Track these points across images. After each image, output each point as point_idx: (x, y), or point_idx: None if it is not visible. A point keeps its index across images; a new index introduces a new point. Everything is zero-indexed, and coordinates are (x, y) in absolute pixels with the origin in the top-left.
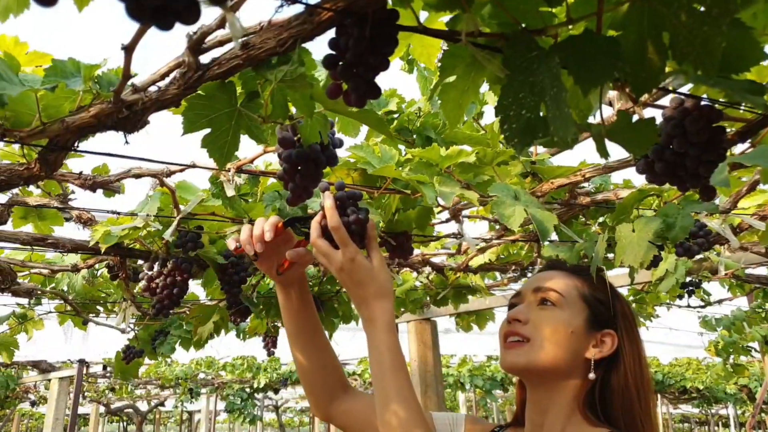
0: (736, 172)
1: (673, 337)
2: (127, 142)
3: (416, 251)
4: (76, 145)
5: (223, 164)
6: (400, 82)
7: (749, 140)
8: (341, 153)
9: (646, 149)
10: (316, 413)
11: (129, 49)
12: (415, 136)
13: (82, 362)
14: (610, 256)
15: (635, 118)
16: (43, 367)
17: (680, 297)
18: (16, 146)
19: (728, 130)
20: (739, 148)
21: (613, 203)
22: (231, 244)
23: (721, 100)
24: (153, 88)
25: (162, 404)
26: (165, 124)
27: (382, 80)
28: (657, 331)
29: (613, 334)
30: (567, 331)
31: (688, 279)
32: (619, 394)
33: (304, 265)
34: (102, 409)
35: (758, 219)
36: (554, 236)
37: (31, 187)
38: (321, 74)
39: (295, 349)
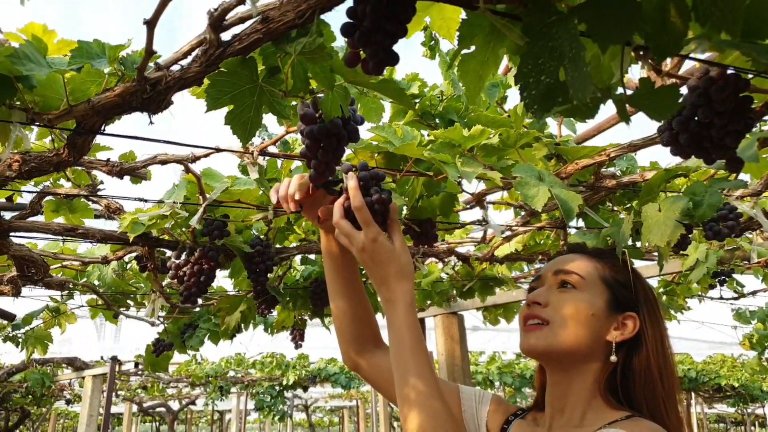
0: (766, 152)
1: (706, 334)
2: (151, 122)
3: (441, 241)
4: (102, 128)
5: (246, 140)
6: (422, 68)
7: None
8: (364, 136)
9: (668, 115)
10: (345, 362)
11: (151, 24)
12: (437, 120)
13: (115, 359)
14: (638, 244)
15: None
16: (77, 365)
17: (711, 287)
18: (47, 140)
19: (755, 102)
20: None
21: (639, 186)
22: (273, 197)
23: (748, 69)
24: (176, 67)
25: (193, 403)
26: (189, 110)
27: (404, 66)
28: (690, 328)
29: (634, 317)
30: (588, 313)
31: (719, 269)
32: (641, 377)
33: None
34: (135, 408)
35: None
36: (581, 223)
37: (62, 181)
38: (340, 47)
39: (332, 295)
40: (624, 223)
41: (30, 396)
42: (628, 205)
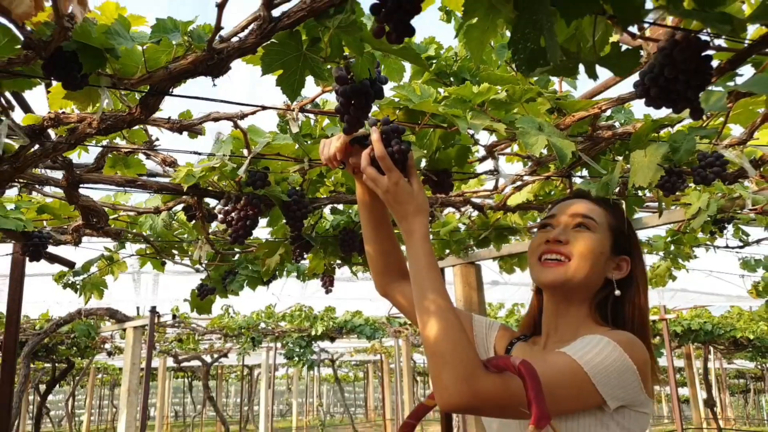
0: (751, 104)
1: (723, 288)
2: (214, 85)
3: (457, 191)
4: (171, 90)
5: (293, 99)
6: (438, 31)
7: (738, 68)
8: (387, 94)
9: (629, 72)
10: (377, 289)
11: (221, 6)
12: (452, 79)
13: (154, 310)
14: (640, 193)
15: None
16: (118, 317)
17: (712, 233)
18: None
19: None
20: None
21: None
22: (322, 158)
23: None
24: (235, 39)
25: (225, 356)
26: (237, 75)
27: (422, 30)
28: (707, 283)
29: (628, 260)
30: (599, 253)
31: (720, 216)
32: (633, 306)
33: None
34: (169, 362)
35: None
36: (585, 173)
37: (117, 140)
38: (368, 20)
39: (366, 236)
40: (616, 168)
41: (75, 348)
42: (627, 153)
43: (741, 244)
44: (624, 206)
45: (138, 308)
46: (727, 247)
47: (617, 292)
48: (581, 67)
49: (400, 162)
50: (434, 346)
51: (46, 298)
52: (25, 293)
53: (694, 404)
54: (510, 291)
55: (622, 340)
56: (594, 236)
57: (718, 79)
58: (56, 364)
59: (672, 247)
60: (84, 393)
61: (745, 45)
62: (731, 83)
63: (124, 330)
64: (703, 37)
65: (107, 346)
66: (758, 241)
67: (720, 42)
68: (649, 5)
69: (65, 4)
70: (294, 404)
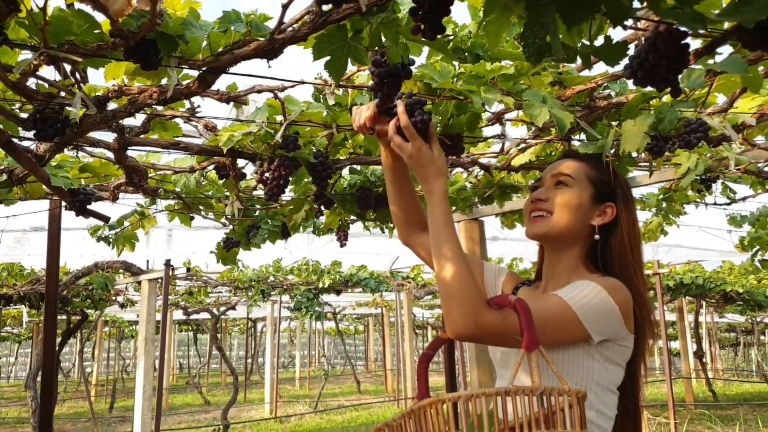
0: (733, 76)
1: (716, 243)
2: (269, 66)
3: (467, 153)
4: (227, 69)
5: (338, 80)
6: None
7: (714, 52)
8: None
9: (618, 62)
10: (400, 239)
11: (285, 6)
12: (466, 54)
13: (168, 263)
14: (634, 155)
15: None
16: (133, 271)
17: (699, 191)
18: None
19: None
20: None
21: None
22: (354, 125)
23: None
24: (290, 29)
25: (233, 308)
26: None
27: None
28: (701, 239)
29: (612, 206)
30: (577, 204)
31: (707, 175)
32: (616, 250)
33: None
34: (176, 315)
35: (756, 118)
36: (583, 137)
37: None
38: (404, 15)
39: (390, 194)
40: (609, 133)
41: (89, 300)
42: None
43: (728, 201)
44: (617, 165)
45: (148, 261)
46: (715, 204)
47: (596, 237)
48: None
49: (422, 131)
50: (447, 286)
51: (62, 251)
52: (42, 247)
53: (684, 356)
54: (509, 246)
55: (607, 284)
56: (571, 191)
57: (699, 59)
58: (71, 316)
59: (664, 204)
60: (90, 346)
61: (720, 34)
62: (711, 62)
63: (139, 283)
64: (683, 29)
65: (120, 298)
66: (744, 199)
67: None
68: (636, 5)
69: (154, 3)
70: (297, 356)
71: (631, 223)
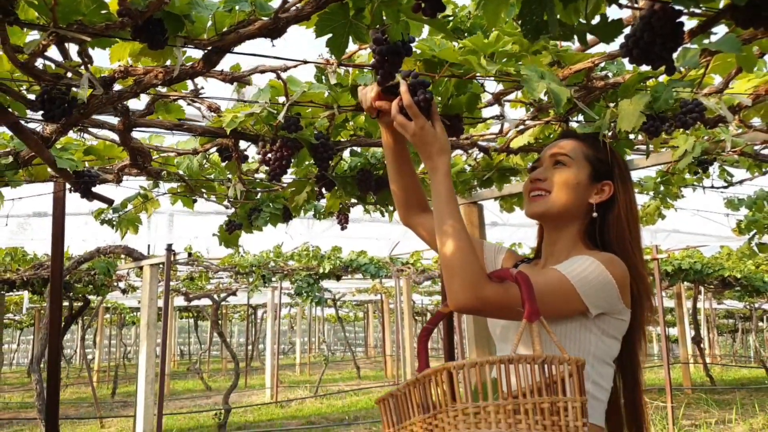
0: (729, 57)
1: (715, 229)
2: (273, 45)
3: (466, 135)
4: (231, 49)
5: (339, 57)
6: None
7: (709, 31)
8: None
9: (613, 39)
10: (401, 220)
11: None
12: (466, 34)
13: (170, 248)
14: (632, 136)
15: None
16: (135, 256)
17: (696, 174)
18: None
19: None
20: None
21: None
22: (365, 106)
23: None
24: (293, 8)
25: (234, 294)
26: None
27: None
28: (700, 225)
29: (610, 184)
30: (574, 183)
31: (704, 158)
32: (613, 227)
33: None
34: (178, 301)
35: (752, 98)
36: (581, 118)
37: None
38: None
39: (390, 174)
40: (606, 114)
41: (91, 285)
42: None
43: (725, 184)
44: (615, 147)
45: (149, 246)
46: (712, 187)
47: (594, 214)
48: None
49: (424, 109)
50: (449, 260)
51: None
52: (45, 233)
53: (682, 342)
54: (508, 232)
55: (604, 259)
56: (569, 170)
57: (694, 39)
58: (73, 302)
59: (661, 188)
60: (91, 332)
61: (714, 13)
62: (706, 41)
63: (140, 268)
64: (677, 7)
65: (121, 284)
66: (741, 182)
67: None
68: None
69: None
70: (297, 342)
71: (628, 200)
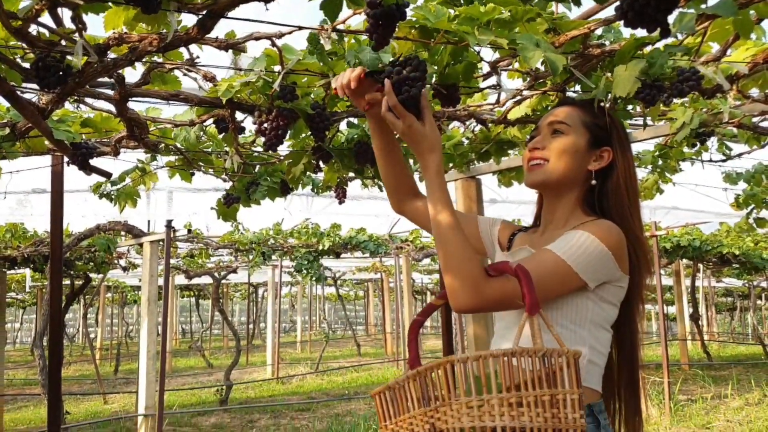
0: (727, 24)
1: (714, 206)
2: (267, 9)
3: (463, 106)
4: (226, 14)
5: (333, 20)
6: None
7: None
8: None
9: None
10: (393, 207)
11: None
12: (461, 1)
13: (170, 225)
14: (630, 107)
15: None
16: (135, 233)
17: (693, 146)
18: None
19: None
20: None
21: None
22: (333, 84)
23: None
24: None
25: (234, 271)
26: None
27: None
28: (699, 202)
29: (609, 150)
30: (573, 150)
31: (702, 130)
32: (612, 193)
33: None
34: (178, 280)
35: (749, 67)
36: (578, 88)
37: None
38: None
39: (378, 161)
40: (601, 81)
41: (92, 263)
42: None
43: (724, 158)
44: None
45: (149, 222)
46: (711, 161)
47: (593, 182)
48: None
49: (411, 107)
50: (447, 262)
51: (65, 213)
52: (45, 209)
53: (680, 319)
54: (507, 209)
55: (597, 230)
56: (567, 138)
57: (691, 2)
58: (74, 280)
59: (660, 162)
60: (93, 311)
61: None
62: (703, 6)
63: (141, 245)
64: None
65: (122, 262)
66: (740, 155)
67: None
68: None
69: None
70: (298, 321)
71: (627, 166)
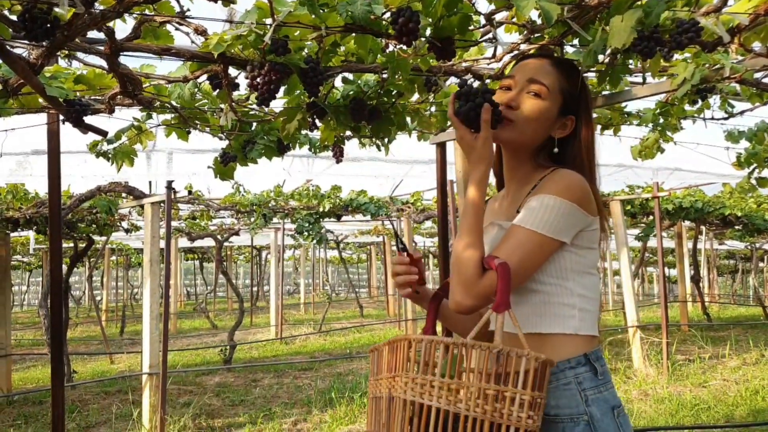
0: None
1: (717, 167)
2: None
3: (459, 59)
4: None
5: None
6: None
7: None
8: None
9: None
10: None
11: None
12: None
13: (170, 186)
14: (630, 62)
15: None
16: (136, 194)
17: (694, 102)
18: None
19: None
20: None
21: None
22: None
23: None
24: None
25: (237, 233)
26: None
27: None
28: (702, 163)
29: (573, 119)
30: (545, 119)
31: (703, 86)
32: (573, 159)
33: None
34: (182, 242)
35: (750, 19)
36: (576, 42)
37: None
38: None
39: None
40: (598, 33)
41: (94, 225)
42: None
43: (726, 115)
44: (611, 74)
45: (150, 183)
46: (712, 118)
47: (555, 150)
48: None
49: (468, 120)
50: (452, 265)
51: (64, 174)
52: (45, 170)
53: (681, 280)
54: None
55: (557, 186)
56: (543, 103)
57: None
58: (77, 242)
59: (660, 119)
60: (98, 274)
61: None
62: None
63: (142, 207)
64: None
65: (124, 224)
66: (742, 113)
67: None
68: None
69: None
70: (302, 283)
71: (589, 135)
